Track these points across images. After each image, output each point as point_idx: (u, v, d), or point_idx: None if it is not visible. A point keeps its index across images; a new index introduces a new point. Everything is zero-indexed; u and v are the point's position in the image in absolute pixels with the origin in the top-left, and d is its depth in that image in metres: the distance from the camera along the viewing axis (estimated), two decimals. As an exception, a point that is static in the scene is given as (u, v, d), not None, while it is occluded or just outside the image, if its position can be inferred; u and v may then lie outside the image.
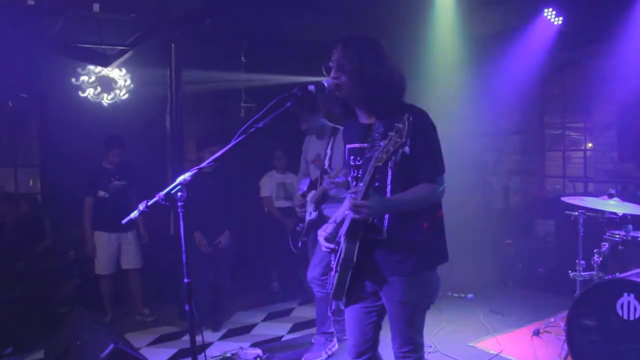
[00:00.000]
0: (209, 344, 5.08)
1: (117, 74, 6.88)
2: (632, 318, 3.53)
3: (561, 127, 7.90)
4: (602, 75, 6.70)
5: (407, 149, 2.24)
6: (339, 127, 4.42)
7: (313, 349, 4.70)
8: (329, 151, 4.59)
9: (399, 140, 2.20)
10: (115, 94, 6.85)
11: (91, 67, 6.73)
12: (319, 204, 4.59)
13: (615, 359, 3.60)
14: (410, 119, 2.20)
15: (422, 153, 2.47)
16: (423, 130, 2.49)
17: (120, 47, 6.50)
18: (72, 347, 3.29)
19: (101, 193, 5.67)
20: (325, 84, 2.55)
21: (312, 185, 4.75)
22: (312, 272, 4.57)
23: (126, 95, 6.90)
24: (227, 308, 5.90)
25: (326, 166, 4.58)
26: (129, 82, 6.92)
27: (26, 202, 6.19)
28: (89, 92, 6.71)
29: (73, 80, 6.65)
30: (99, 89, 6.76)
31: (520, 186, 7.93)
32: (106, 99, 6.80)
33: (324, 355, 4.63)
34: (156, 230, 6.38)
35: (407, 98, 2.64)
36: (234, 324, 5.71)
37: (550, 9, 6.38)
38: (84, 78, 6.71)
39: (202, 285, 5.44)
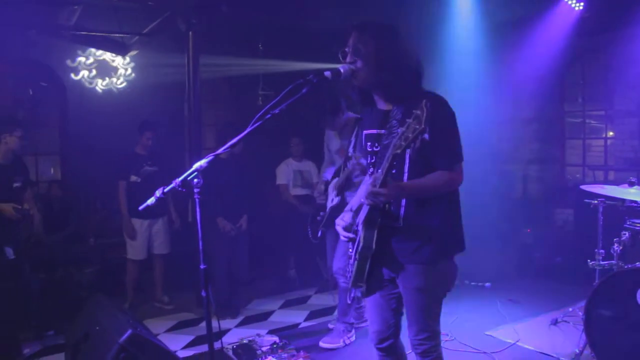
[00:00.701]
0: (227, 331, 5.13)
1: (120, 61, 6.97)
2: (652, 308, 3.48)
3: (581, 115, 7.78)
4: (623, 62, 6.56)
5: (426, 135, 2.21)
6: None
7: (332, 334, 4.74)
8: (353, 139, 4.59)
9: (417, 127, 2.17)
10: (112, 82, 6.97)
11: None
12: (342, 190, 4.59)
13: (634, 349, 3.55)
14: (428, 105, 2.17)
15: (441, 140, 2.43)
16: (442, 117, 2.47)
17: (138, 36, 6.53)
18: (91, 332, 3.32)
19: (133, 178, 5.77)
20: (342, 70, 2.53)
21: (336, 173, 4.75)
22: (338, 263, 4.55)
23: (124, 84, 6.99)
24: (244, 295, 5.96)
25: (350, 154, 4.57)
26: (129, 71, 7.00)
27: (59, 188, 6.31)
28: (83, 75, 6.80)
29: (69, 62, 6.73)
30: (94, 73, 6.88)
31: (539, 175, 7.84)
32: (101, 85, 6.91)
33: (342, 344, 4.66)
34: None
35: (425, 84, 2.61)
36: (251, 311, 5.75)
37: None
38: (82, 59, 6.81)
39: (221, 272, 5.55)
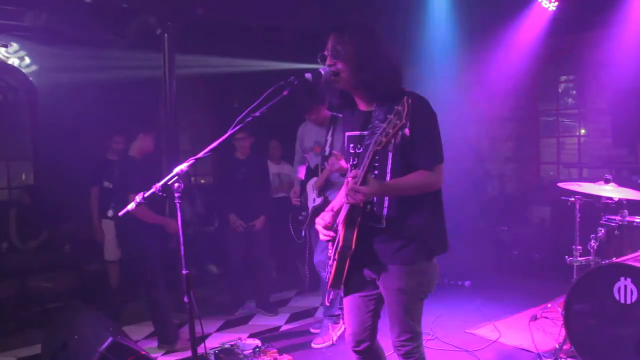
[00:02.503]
0: (208, 335, 5.07)
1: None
2: (629, 302, 3.53)
3: (555, 113, 7.91)
4: (596, 62, 6.69)
5: (407, 131, 2.22)
6: (339, 115, 4.41)
7: (321, 333, 4.74)
8: (329, 138, 4.58)
9: (398, 122, 2.18)
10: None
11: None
12: (323, 190, 4.58)
13: (612, 343, 3.61)
14: (410, 101, 2.18)
15: (422, 140, 2.45)
16: (423, 117, 2.48)
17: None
18: (70, 341, 3.27)
19: (106, 184, 5.78)
20: (322, 72, 2.52)
21: (312, 173, 4.73)
22: (319, 256, 4.59)
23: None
24: (272, 288, 6.00)
25: (327, 153, 4.56)
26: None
27: (28, 195, 6.21)
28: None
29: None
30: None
31: (515, 173, 7.94)
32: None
33: (334, 339, 4.68)
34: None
35: (404, 86, 2.62)
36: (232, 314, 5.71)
37: (546, -5, 6.38)
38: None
39: (235, 270, 5.73)
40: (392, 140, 2.23)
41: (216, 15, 6.29)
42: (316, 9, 6.18)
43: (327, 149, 4.61)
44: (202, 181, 8.53)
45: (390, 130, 2.20)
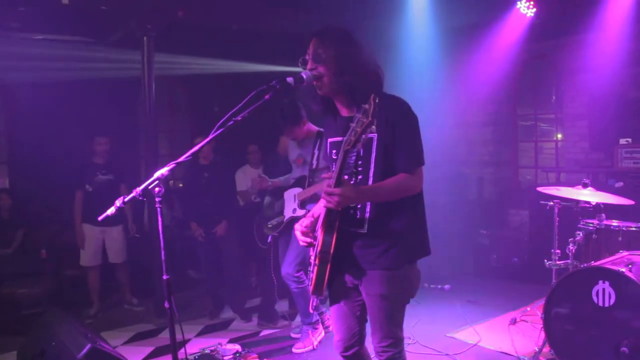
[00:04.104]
0: (187, 341, 5.02)
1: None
2: (607, 305, 3.58)
3: (533, 118, 8.00)
4: (573, 67, 6.80)
5: (373, 127, 2.20)
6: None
7: (301, 339, 4.73)
8: (316, 151, 4.57)
9: (365, 120, 2.17)
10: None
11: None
12: (306, 202, 4.57)
13: (591, 346, 3.65)
14: (377, 99, 2.18)
15: (403, 142, 2.46)
16: (405, 119, 2.49)
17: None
18: (47, 348, 3.21)
19: (87, 187, 5.76)
20: (304, 76, 2.51)
21: (297, 183, 4.72)
22: (287, 268, 4.57)
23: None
24: (245, 294, 6.02)
25: (314, 166, 4.56)
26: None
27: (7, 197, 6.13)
28: None
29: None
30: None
31: (494, 177, 8.01)
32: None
33: (314, 344, 4.68)
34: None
35: (385, 89, 2.62)
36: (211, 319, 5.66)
37: (524, 0, 6.44)
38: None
39: (209, 276, 5.79)
40: (361, 139, 2.21)
41: (196, 18, 6.25)
42: (297, 11, 6.16)
43: (315, 162, 4.60)
44: (180, 185, 8.45)
45: (359, 129, 2.19)
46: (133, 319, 5.75)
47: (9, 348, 4.55)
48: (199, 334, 5.24)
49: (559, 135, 7.64)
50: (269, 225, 4.93)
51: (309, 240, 2.63)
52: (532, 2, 6.42)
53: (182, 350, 2.82)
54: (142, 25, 5.58)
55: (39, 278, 5.86)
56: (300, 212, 4.58)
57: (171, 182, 8.01)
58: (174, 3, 5.77)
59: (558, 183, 6.87)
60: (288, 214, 4.72)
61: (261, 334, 5.23)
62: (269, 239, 4.98)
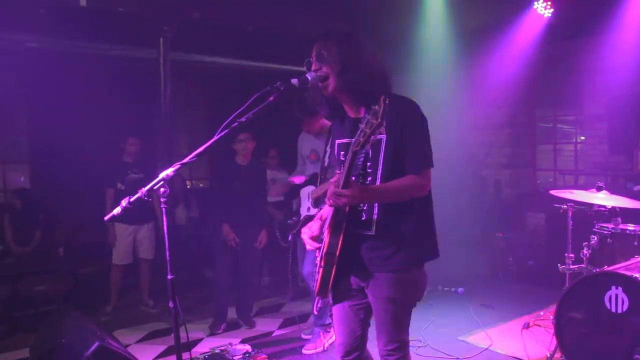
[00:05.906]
0: (199, 340, 5.06)
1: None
2: (619, 311, 3.51)
3: (552, 120, 7.90)
4: (592, 68, 6.69)
5: (383, 129, 2.19)
6: None
7: (312, 340, 4.74)
8: (328, 149, 4.58)
9: (374, 121, 2.15)
10: None
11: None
12: (319, 201, 4.55)
13: (603, 352, 3.58)
14: (387, 100, 2.17)
15: (411, 144, 2.44)
16: (414, 120, 2.47)
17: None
18: (57, 345, 3.25)
19: (119, 185, 5.81)
20: (309, 77, 2.51)
21: (309, 181, 4.72)
22: (308, 267, 4.55)
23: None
24: (253, 300, 5.81)
25: (325, 164, 4.55)
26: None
27: (21, 198, 6.21)
28: None
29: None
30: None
31: (512, 179, 7.93)
32: None
33: (325, 346, 4.68)
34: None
35: (399, 92, 2.59)
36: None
37: (541, 1, 6.37)
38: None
39: (221, 282, 5.38)
40: (370, 140, 2.20)
41: (212, 19, 6.29)
42: (315, 12, 6.16)
43: (326, 159, 4.60)
44: (201, 185, 8.51)
45: (368, 130, 2.17)
46: (148, 317, 5.80)
47: (26, 344, 4.64)
48: (211, 334, 5.26)
49: (582, 137, 7.53)
50: (289, 223, 4.93)
51: (316, 245, 2.61)
52: (549, 3, 6.33)
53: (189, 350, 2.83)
54: (158, 26, 5.64)
55: (56, 276, 5.96)
56: (314, 211, 4.57)
57: (189, 182, 8.07)
58: (190, 4, 5.81)
59: (575, 186, 6.77)
60: (304, 212, 4.72)
61: (273, 334, 5.25)
62: (290, 237, 4.96)
